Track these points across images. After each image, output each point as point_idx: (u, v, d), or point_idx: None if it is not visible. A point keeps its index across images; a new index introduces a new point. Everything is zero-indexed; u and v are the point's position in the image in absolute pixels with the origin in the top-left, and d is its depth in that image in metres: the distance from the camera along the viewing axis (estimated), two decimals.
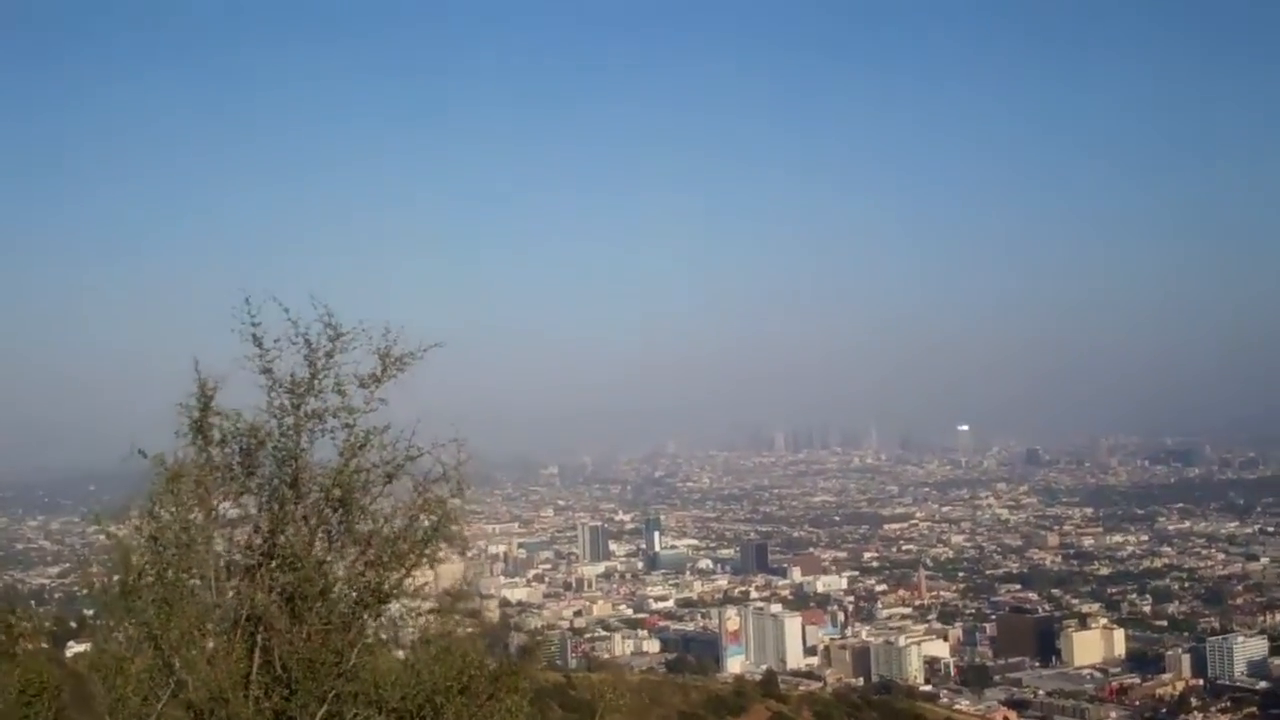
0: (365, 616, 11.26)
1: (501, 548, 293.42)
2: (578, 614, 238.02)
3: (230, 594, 11.24)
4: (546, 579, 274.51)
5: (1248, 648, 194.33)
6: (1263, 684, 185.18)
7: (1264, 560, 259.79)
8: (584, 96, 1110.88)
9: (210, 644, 11.01)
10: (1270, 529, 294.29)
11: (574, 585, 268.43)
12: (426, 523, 11.79)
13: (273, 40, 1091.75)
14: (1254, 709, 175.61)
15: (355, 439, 11.51)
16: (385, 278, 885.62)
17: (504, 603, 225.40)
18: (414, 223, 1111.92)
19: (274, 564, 11.14)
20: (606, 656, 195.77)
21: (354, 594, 11.31)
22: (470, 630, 12.70)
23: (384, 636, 11.93)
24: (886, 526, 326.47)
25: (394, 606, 11.81)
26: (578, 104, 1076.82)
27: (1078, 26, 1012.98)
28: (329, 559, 11.34)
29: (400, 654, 12.34)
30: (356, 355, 11.63)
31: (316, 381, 11.48)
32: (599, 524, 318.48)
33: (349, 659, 10.80)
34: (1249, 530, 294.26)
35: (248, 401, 11.67)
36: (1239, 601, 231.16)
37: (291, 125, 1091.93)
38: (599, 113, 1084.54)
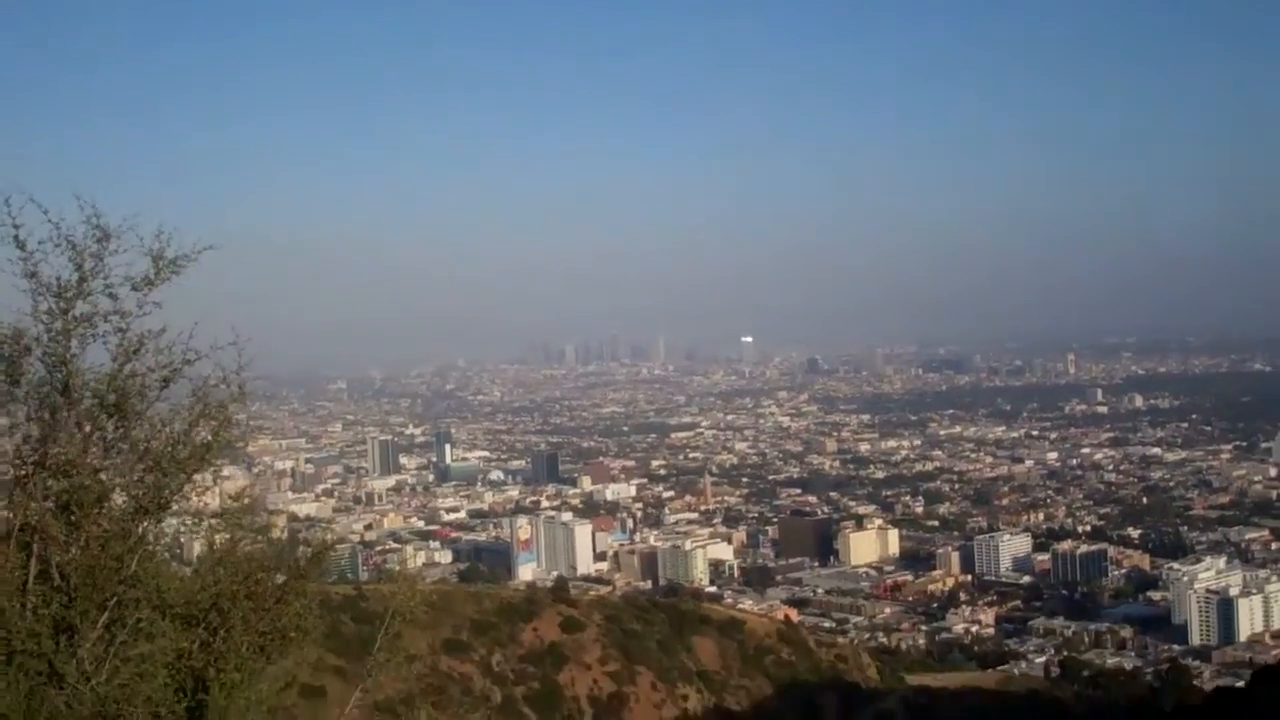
0: (145, 523, 11.02)
1: (289, 463, 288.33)
2: (368, 527, 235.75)
3: (1, 505, 10.85)
4: (336, 493, 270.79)
5: (1012, 545, 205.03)
6: (1026, 578, 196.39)
7: (1028, 463, 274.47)
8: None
9: None
10: (1034, 433, 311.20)
11: (364, 499, 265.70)
12: (205, 430, 11.54)
13: None
14: (1018, 602, 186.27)
15: (129, 343, 11.15)
16: (167, 181, 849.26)
17: (292, 518, 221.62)
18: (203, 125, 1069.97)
19: (46, 473, 10.78)
20: (398, 568, 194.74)
21: (133, 501, 11.04)
22: (258, 544, 12.56)
23: (165, 550, 11.70)
24: (673, 435, 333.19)
25: (174, 522, 11.58)
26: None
27: None
28: (105, 465, 11.03)
29: (186, 571, 12.14)
30: (129, 258, 11.23)
31: (85, 284, 11.05)
32: (389, 438, 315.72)
33: (129, 565, 10.57)
34: (1015, 435, 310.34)
35: (12, 307, 11.18)
36: (1004, 502, 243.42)
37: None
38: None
